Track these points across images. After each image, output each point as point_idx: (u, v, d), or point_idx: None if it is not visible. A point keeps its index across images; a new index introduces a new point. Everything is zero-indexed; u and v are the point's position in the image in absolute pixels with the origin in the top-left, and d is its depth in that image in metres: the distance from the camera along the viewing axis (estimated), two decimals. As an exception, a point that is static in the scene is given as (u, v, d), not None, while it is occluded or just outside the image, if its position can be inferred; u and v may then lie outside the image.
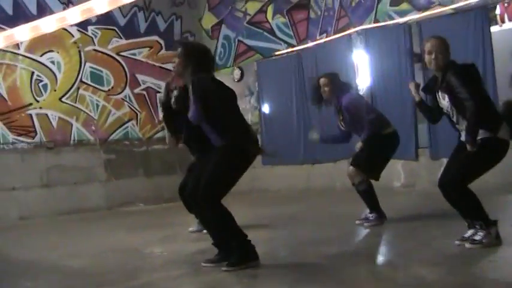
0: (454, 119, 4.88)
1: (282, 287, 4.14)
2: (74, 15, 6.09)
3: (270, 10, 12.32)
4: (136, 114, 12.65)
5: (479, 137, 4.63)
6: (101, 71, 12.22)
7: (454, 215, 5.08)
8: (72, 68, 11.81)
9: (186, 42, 5.00)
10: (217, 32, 13.37)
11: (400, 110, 9.67)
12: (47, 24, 6.11)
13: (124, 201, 11.78)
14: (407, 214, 6.81)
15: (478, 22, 9.02)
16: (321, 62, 11.16)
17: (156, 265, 5.31)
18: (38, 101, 11.30)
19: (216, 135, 4.79)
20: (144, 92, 12.83)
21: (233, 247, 4.74)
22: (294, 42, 11.87)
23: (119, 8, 11.87)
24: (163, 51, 13.16)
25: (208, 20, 13.56)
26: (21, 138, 11.04)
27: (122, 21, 12.58)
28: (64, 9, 11.17)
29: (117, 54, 12.47)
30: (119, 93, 12.44)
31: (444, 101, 4.87)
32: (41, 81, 11.37)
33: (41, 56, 11.39)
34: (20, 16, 10.68)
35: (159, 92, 12.90)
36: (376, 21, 10.45)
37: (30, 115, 11.22)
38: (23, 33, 6.44)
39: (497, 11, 9.08)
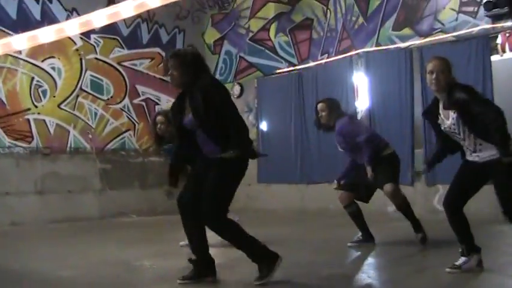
0: (461, 137, 4.81)
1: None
2: (72, 27, 6.06)
3: (273, 28, 12.36)
4: (134, 125, 12.64)
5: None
6: (101, 80, 12.22)
7: (449, 243, 5.07)
8: (73, 75, 11.81)
9: (175, 52, 4.93)
10: (220, 48, 13.41)
11: (399, 134, 9.70)
12: (45, 35, 6.09)
13: (117, 212, 11.73)
14: (401, 240, 6.78)
15: (479, 51, 9.06)
16: (321, 83, 11.21)
17: (146, 279, 5.29)
18: (36, 107, 11.30)
19: (216, 145, 4.71)
20: (143, 103, 12.83)
21: (256, 256, 4.75)
22: (295, 61, 11.90)
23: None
24: (164, 64, 13.18)
25: (211, 35, 13.60)
26: (17, 143, 11.01)
27: (125, 32, 12.60)
28: (68, 17, 11.25)
29: (119, 64, 12.48)
30: (118, 103, 12.43)
31: (448, 121, 4.80)
32: (41, 86, 11.38)
33: (42, 61, 11.40)
34: (23, 21, 10.73)
35: (158, 104, 12.92)
36: (378, 44, 10.50)
37: (28, 120, 11.21)
38: (21, 42, 6.40)
39: (499, 40, 9.13)
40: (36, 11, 11.26)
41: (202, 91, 4.63)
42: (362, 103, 10.64)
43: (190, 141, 4.88)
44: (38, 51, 11.17)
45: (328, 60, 11.31)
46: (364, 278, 5.14)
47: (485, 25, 9.14)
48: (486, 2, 8.94)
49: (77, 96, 11.84)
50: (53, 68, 11.58)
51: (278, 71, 12.09)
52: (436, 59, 4.92)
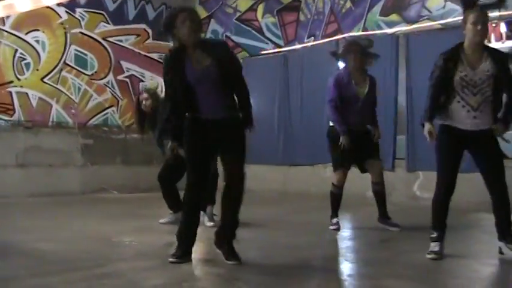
0: (476, 90, 4.83)
1: (246, 286, 4.15)
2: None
3: (260, 9, 12.32)
4: (118, 101, 12.57)
5: None
6: (86, 55, 12.13)
7: (426, 229, 5.12)
8: (57, 49, 11.71)
9: (189, 8, 5.05)
10: (206, 26, 13.33)
11: (382, 120, 9.69)
12: (22, 3, 5.93)
13: (99, 187, 11.71)
14: (379, 224, 6.83)
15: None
16: (306, 65, 11.21)
17: (125, 255, 5.29)
18: (19, 79, 11.19)
19: (224, 101, 4.84)
20: (128, 80, 12.76)
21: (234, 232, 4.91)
22: (281, 43, 11.88)
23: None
24: (150, 40, 13.09)
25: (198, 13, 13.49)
26: (-1, 115, 10.95)
27: (111, 7, 12.49)
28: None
29: (104, 39, 12.38)
30: (102, 79, 12.35)
31: (476, 71, 4.83)
32: (24, 59, 11.26)
33: (26, 34, 11.27)
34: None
35: (142, 81, 12.86)
36: (364, 29, 10.50)
37: (10, 93, 11.09)
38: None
39: (485, 30, 9.16)
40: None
41: (224, 48, 4.94)
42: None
43: (184, 102, 4.85)
44: (22, 23, 11.06)
45: (314, 43, 11.31)
46: (341, 261, 5.19)
47: (472, 14, 9.15)
48: (474, -10, 8.96)
49: (61, 70, 11.73)
50: (37, 41, 11.46)
51: (264, 52, 12.07)
52: (482, 12, 4.97)
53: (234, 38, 12.72)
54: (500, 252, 4.88)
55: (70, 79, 11.86)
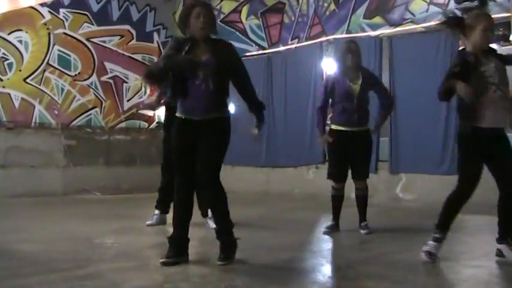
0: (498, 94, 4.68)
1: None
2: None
3: (244, 10, 12.33)
4: (101, 102, 12.52)
5: None
6: (69, 55, 12.07)
7: (407, 231, 5.15)
8: (40, 49, 11.65)
9: (206, 2, 5.09)
10: (190, 28, 13.31)
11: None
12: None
13: (81, 188, 11.65)
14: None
15: (448, 43, 9.15)
16: (290, 67, 11.24)
17: (106, 256, 5.27)
18: (1, 80, 11.14)
19: (216, 100, 4.84)
20: (111, 81, 12.71)
21: (228, 235, 4.86)
22: (265, 44, 11.91)
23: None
24: (134, 42, 13.06)
25: (182, 15, 13.48)
26: (-20, 116, 10.88)
27: (95, 7, 12.45)
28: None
29: (87, 40, 12.33)
30: (85, 80, 12.29)
31: (496, 74, 4.70)
32: (7, 59, 11.20)
33: (9, 34, 11.21)
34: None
35: (126, 82, 12.82)
36: (348, 32, 10.55)
37: (-7, 93, 11.06)
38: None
39: (467, 33, 9.23)
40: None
41: (226, 45, 5.00)
42: (330, 89, 10.68)
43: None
44: (4, 23, 11.00)
45: (298, 45, 11.34)
46: (323, 262, 5.20)
47: (455, 17, 9.22)
48: (456, -6, 9.05)
49: (44, 70, 11.68)
50: (20, 41, 11.39)
51: (248, 54, 12.07)
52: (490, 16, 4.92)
53: (218, 39, 12.69)
54: (500, 255, 4.78)
55: (53, 80, 11.80)
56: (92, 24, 12.39)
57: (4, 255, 5.26)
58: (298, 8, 11.45)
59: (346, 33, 10.54)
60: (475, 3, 8.85)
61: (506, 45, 8.50)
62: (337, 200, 6.58)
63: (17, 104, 11.34)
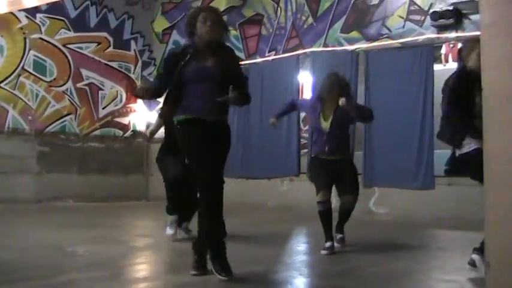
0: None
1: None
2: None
3: (223, 21, 12.32)
4: (76, 109, 12.44)
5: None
6: (45, 61, 11.99)
7: (381, 244, 5.17)
8: (16, 54, 11.56)
9: (215, 8, 5.08)
10: (168, 37, 13.32)
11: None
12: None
13: (54, 196, 11.54)
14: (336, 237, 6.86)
15: (423, 59, 9.25)
16: (267, 79, 11.25)
17: (78, 265, 5.22)
18: (-25, 84, 11.04)
19: (218, 103, 4.72)
20: (87, 88, 12.64)
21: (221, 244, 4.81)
22: (242, 56, 11.92)
23: (71, -1, 11.92)
24: (111, 49, 13.01)
25: (160, 24, 13.50)
26: (-48, 120, 10.75)
27: (73, 13, 12.40)
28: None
29: (64, 46, 12.26)
30: (61, 86, 12.21)
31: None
32: (-19, 63, 11.11)
33: (-16, 38, 11.14)
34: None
35: (101, 89, 12.76)
36: (325, 45, 10.62)
37: (-35, 97, 10.94)
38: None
39: (443, 50, 9.37)
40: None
41: (230, 51, 4.92)
42: (306, 102, 10.74)
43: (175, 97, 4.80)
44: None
45: (275, 57, 11.39)
46: (296, 275, 5.20)
47: (431, 34, 9.36)
48: (433, 12, 9.17)
49: (19, 75, 11.59)
50: (-5, 46, 11.33)
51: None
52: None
53: (195, 49, 12.69)
54: (473, 265, 4.73)
55: (28, 85, 11.71)
56: (69, 30, 12.33)
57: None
58: (276, 20, 11.51)
59: (324, 46, 10.62)
60: (451, 21, 8.97)
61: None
62: (325, 215, 6.20)
63: (-10, 108, 11.25)
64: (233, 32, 12.14)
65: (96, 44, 12.80)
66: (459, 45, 8.97)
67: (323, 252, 6.09)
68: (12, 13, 11.19)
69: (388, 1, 9.93)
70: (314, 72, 10.63)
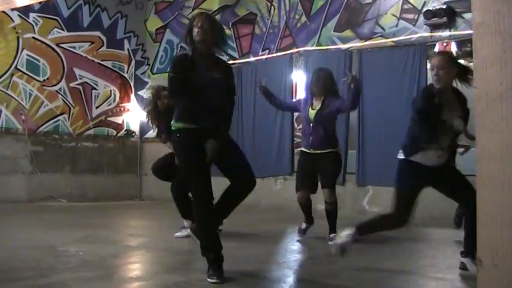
0: (446, 136, 4.83)
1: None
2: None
3: (216, 20, 12.31)
4: (69, 109, 12.41)
5: None
6: (38, 61, 11.96)
7: (373, 243, 5.16)
8: (8, 53, 11.52)
9: (208, 13, 5.11)
10: (161, 36, 13.31)
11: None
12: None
13: (46, 195, 11.51)
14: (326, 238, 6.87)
15: (416, 57, 9.26)
16: (260, 78, 11.21)
17: (70, 265, 5.20)
18: (-33, 83, 11.00)
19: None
20: (80, 87, 12.61)
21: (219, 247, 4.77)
22: (236, 55, 11.91)
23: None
24: (104, 48, 12.98)
25: (153, 23, 13.48)
26: None
27: (66, 13, 12.36)
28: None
29: (57, 45, 12.23)
30: (54, 85, 12.18)
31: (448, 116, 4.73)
32: (-27, 63, 11.07)
33: (-23, 37, 11.10)
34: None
35: (95, 89, 12.74)
36: (319, 44, 10.62)
37: (-42, 97, 10.90)
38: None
39: (436, 48, 9.36)
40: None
41: (228, 65, 5.06)
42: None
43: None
44: (-28, 26, 10.88)
45: (268, 56, 11.38)
46: (287, 274, 5.20)
47: (424, 33, 9.36)
48: (426, 10, 9.17)
49: (12, 75, 11.55)
50: (-12, 45, 11.29)
51: (218, 63, 12.04)
52: (438, 56, 4.88)
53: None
54: (464, 268, 4.82)
55: (21, 84, 11.67)
56: (62, 30, 12.30)
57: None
58: (269, 19, 11.51)
59: (317, 45, 10.62)
60: (444, 19, 8.98)
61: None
62: (303, 205, 6.80)
63: (-18, 108, 11.21)
64: (227, 31, 12.12)
65: (89, 43, 12.77)
66: (452, 43, 9.03)
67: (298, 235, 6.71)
68: (5, 12, 11.15)
69: (381, 0, 9.93)
70: (307, 71, 10.63)
